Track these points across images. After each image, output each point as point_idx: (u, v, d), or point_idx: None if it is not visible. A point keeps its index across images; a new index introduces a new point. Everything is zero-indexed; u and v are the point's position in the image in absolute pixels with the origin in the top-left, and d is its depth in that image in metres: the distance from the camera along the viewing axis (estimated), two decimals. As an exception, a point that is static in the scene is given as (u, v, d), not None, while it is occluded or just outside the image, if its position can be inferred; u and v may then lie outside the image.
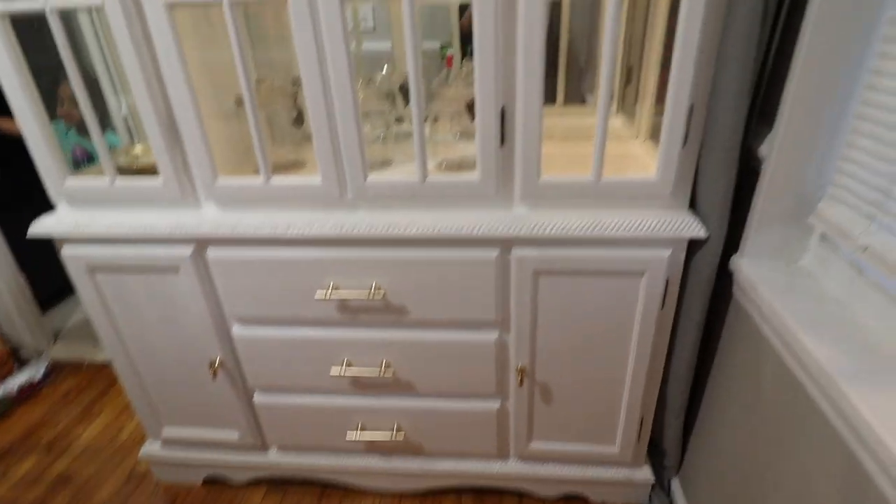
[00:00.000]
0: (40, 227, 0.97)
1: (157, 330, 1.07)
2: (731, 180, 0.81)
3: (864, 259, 0.68)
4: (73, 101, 0.88)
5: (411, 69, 0.78)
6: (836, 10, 0.66)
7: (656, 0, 0.94)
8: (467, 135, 1.07)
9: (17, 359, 1.76)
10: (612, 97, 1.22)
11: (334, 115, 0.83)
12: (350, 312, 0.99)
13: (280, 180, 0.90)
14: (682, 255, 0.89)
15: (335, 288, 0.95)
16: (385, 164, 1.03)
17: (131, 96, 0.86)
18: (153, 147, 0.88)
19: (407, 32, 0.76)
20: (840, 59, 0.69)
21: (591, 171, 0.84)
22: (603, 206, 0.88)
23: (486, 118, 0.81)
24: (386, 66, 1.15)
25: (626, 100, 1.20)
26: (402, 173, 0.96)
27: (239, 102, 0.97)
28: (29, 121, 0.90)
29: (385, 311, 0.97)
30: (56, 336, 1.91)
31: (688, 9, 0.71)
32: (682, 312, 0.95)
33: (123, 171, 0.98)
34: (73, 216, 0.97)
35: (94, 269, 1.01)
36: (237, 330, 1.05)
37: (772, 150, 0.77)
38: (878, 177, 0.66)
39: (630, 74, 1.16)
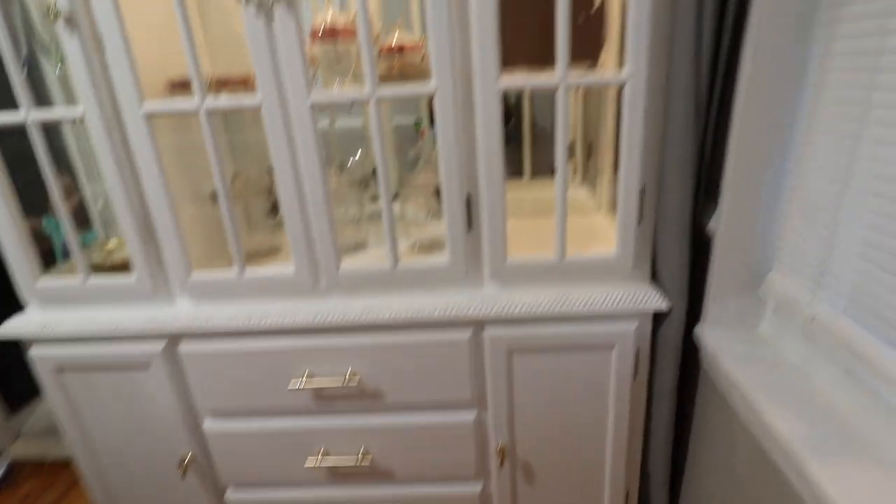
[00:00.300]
0: (8, 328, 0.96)
1: (124, 427, 1.04)
2: (685, 255, 0.86)
3: (813, 329, 0.72)
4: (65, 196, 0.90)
5: (381, 176, 0.83)
6: (762, 101, 0.74)
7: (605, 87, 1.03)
8: (438, 214, 1.11)
9: (-27, 461, 1.66)
10: (574, 170, 1.31)
11: (307, 209, 0.87)
12: (325, 400, 0.97)
13: (254, 272, 0.92)
14: (649, 327, 0.92)
15: (309, 376, 0.94)
16: (359, 246, 1.06)
17: (107, 192, 0.89)
18: (128, 246, 0.90)
19: (375, 140, 0.81)
20: (770, 140, 0.76)
21: (555, 251, 0.88)
22: (569, 281, 0.92)
23: (452, 205, 0.85)
24: (360, 152, 1.21)
25: (588, 172, 1.28)
26: (376, 257, 0.99)
27: (214, 197, 1.00)
28: (2, 221, 0.91)
29: (361, 397, 0.97)
30: (18, 435, 1.81)
31: (630, 101, 0.79)
32: (655, 383, 0.97)
33: (97, 268, 0.99)
34: (42, 317, 0.96)
35: (61, 368, 0.99)
36: (209, 424, 1.02)
37: (719, 225, 0.82)
38: (814, 247, 0.71)
39: (591, 148, 1.24)
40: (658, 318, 0.92)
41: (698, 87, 0.77)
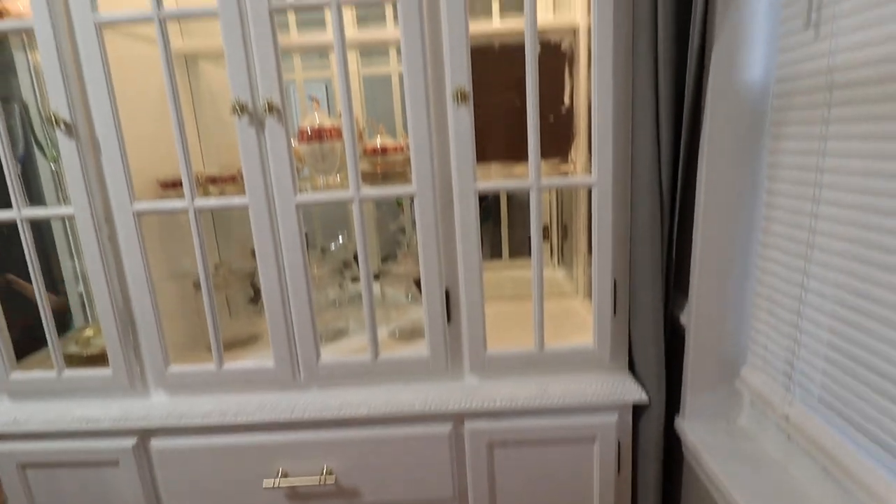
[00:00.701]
0: (-27, 423, 0.92)
1: (87, 530, 0.98)
2: (660, 347, 0.87)
3: (788, 428, 0.73)
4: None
5: (363, 276, 0.85)
6: (720, 206, 0.79)
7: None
8: (419, 297, 1.13)
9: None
10: (551, 251, 1.34)
11: (288, 303, 0.88)
12: (300, 500, 0.94)
13: (232, 365, 0.91)
14: (629, 419, 0.92)
15: (284, 475, 0.91)
16: (339, 333, 1.07)
17: (89, 283, 0.89)
18: (106, 340, 0.90)
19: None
20: (732, 242, 0.80)
21: (534, 343, 0.90)
22: (549, 372, 0.92)
23: (431, 299, 0.87)
24: (340, 238, 1.24)
25: (564, 254, 1.31)
26: (356, 346, 0.99)
27: (196, 286, 1.01)
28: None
29: (337, 496, 0.93)
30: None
31: (598, 202, 0.83)
32: (639, 477, 0.95)
33: (73, 358, 0.98)
34: (11, 411, 0.94)
35: (25, 465, 0.94)
36: (178, 525, 0.97)
37: (689, 318, 0.85)
38: (782, 346, 0.74)
39: (566, 229, 1.29)
40: (638, 410, 0.92)
41: (661, 187, 0.82)
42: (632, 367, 0.94)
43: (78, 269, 1.20)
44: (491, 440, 0.91)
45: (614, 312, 0.89)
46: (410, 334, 1.04)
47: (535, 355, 0.90)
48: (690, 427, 0.87)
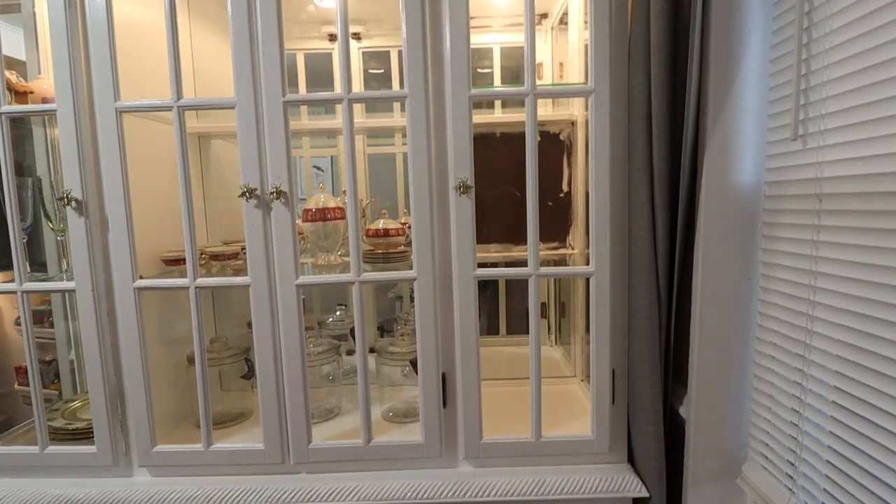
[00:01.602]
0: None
1: None
2: (660, 441, 0.85)
3: (794, 538, 0.70)
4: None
5: (360, 367, 0.85)
6: (715, 303, 0.80)
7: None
8: (414, 377, 1.12)
9: None
10: (549, 330, 1.34)
11: (282, 384, 0.87)
12: None
13: (221, 445, 0.89)
14: (628, 514, 0.88)
15: (268, 569, 0.87)
16: (331, 412, 1.04)
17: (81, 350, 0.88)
18: (94, 414, 0.88)
19: (357, 326, 0.84)
20: (730, 339, 0.80)
21: (531, 432, 0.88)
22: (546, 461, 0.90)
23: (428, 383, 0.86)
24: (338, 312, 1.24)
25: (562, 332, 1.31)
26: (348, 426, 0.97)
27: (190, 361, 1.00)
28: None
29: (322, 593, 0.88)
30: None
31: (596, 293, 0.84)
32: (641, 577, 0.90)
33: (57, 432, 0.95)
34: (-15, 487, 0.90)
35: (-7, 548, 0.89)
36: None
37: (689, 412, 0.84)
38: (784, 444, 0.72)
39: (564, 308, 1.29)
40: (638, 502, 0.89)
41: (658, 279, 0.84)
42: (630, 459, 0.91)
43: (71, 334, 1.19)
44: (485, 535, 0.87)
45: (612, 402, 0.88)
46: (405, 415, 1.02)
47: (532, 444, 0.88)
48: (693, 527, 0.84)
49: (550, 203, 1.09)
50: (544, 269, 0.85)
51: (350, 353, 1.21)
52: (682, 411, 0.87)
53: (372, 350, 1.27)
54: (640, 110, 0.82)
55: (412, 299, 0.84)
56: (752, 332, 0.80)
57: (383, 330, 1.35)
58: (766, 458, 0.77)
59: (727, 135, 0.76)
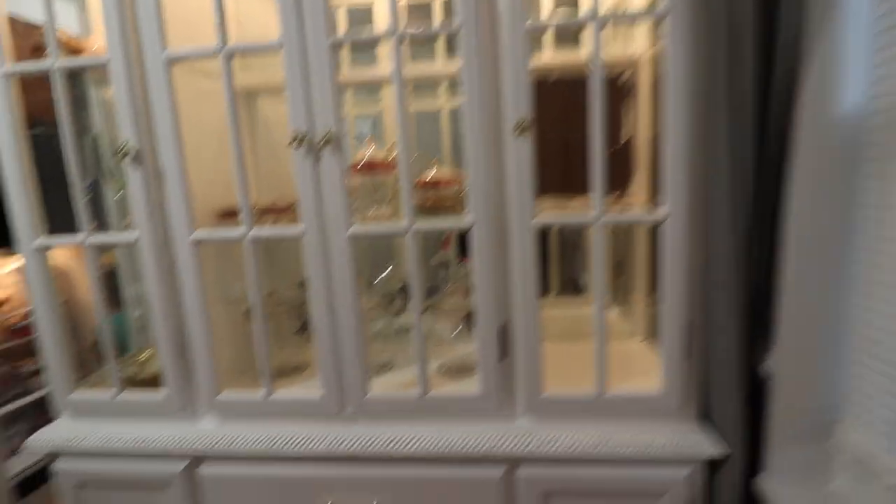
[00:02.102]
0: (40, 439, 0.95)
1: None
2: (742, 398, 0.79)
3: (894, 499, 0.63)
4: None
5: (415, 315, 0.82)
6: (813, 239, 0.71)
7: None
8: (467, 333, 1.09)
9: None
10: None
11: (338, 334, 0.86)
12: (345, 538, 0.90)
13: (280, 395, 0.90)
14: (703, 474, 0.83)
15: (331, 512, 0.88)
16: (385, 367, 1.04)
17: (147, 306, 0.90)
18: (161, 362, 0.91)
19: (413, 277, 0.82)
20: (827, 278, 0.71)
21: (594, 386, 0.83)
22: (611, 419, 0.85)
23: (485, 334, 0.83)
24: (389, 269, 1.22)
25: (618, 292, 1.23)
26: (403, 380, 0.96)
27: (247, 315, 1.01)
28: (48, 334, 0.94)
29: (383, 538, 0.89)
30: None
31: (670, 240, 0.77)
32: (712, 539, 0.86)
33: (129, 381, 0.99)
34: (70, 429, 0.96)
35: (84, 484, 0.96)
36: (222, 556, 0.95)
37: (775, 366, 0.77)
38: (889, 400, 0.64)
39: (620, 266, 1.21)
40: (714, 465, 0.83)
41: (741, 224, 0.76)
42: (705, 417, 0.85)
43: (136, 293, 1.23)
44: (547, 489, 0.85)
45: (689, 356, 0.81)
46: (458, 371, 1.00)
47: (596, 400, 0.84)
48: (774, 488, 0.78)
49: (609, 152, 1.01)
50: (612, 216, 0.79)
51: (398, 313, 1.20)
52: (767, 367, 0.79)
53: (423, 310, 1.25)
54: (722, 32, 0.72)
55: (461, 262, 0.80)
56: (852, 280, 0.71)
57: (430, 292, 1.33)
58: (867, 415, 0.69)
59: (828, 56, 0.66)
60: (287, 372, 1.04)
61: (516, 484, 0.86)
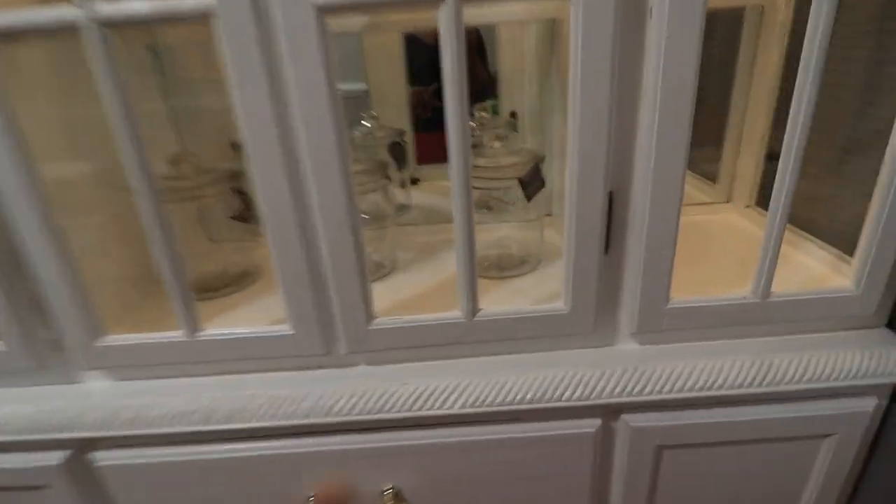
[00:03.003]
0: None
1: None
2: None
3: None
4: None
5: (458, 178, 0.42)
6: None
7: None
8: (501, 207, 0.71)
9: None
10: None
11: (309, 212, 0.46)
12: (349, 533, 0.59)
13: (215, 332, 0.51)
14: (885, 405, 0.56)
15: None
16: (381, 268, 0.67)
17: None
18: (-26, 291, 0.48)
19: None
20: None
21: (752, 289, 0.50)
22: (769, 332, 0.54)
23: (583, 211, 0.46)
24: (369, 122, 0.79)
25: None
26: (409, 289, 0.60)
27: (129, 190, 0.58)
28: None
29: (408, 529, 0.59)
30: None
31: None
32: (868, 483, 0.61)
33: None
34: None
35: None
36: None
37: None
38: None
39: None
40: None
41: None
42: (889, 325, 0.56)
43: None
44: (662, 441, 0.55)
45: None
46: (499, 266, 0.65)
47: (756, 307, 0.51)
48: None
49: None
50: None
51: (404, 184, 0.81)
52: None
53: (415, 181, 0.88)
54: None
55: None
56: None
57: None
58: None
59: None
60: (228, 281, 0.65)
61: (615, 438, 0.56)
